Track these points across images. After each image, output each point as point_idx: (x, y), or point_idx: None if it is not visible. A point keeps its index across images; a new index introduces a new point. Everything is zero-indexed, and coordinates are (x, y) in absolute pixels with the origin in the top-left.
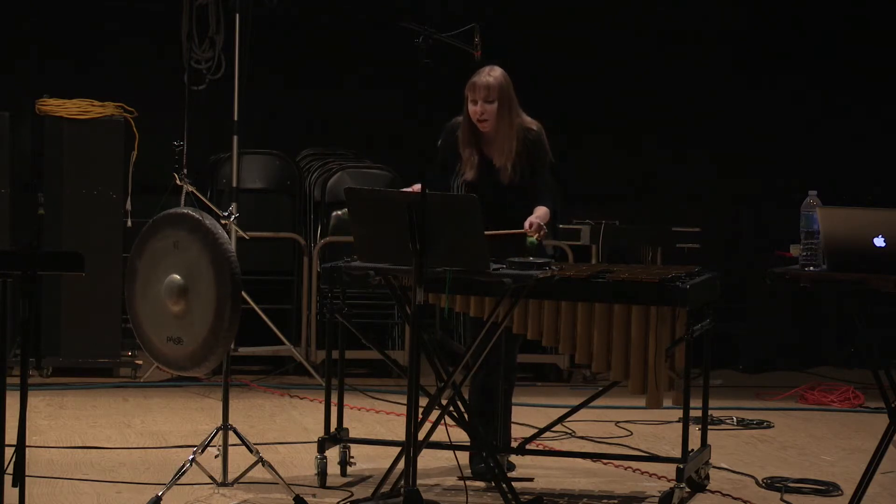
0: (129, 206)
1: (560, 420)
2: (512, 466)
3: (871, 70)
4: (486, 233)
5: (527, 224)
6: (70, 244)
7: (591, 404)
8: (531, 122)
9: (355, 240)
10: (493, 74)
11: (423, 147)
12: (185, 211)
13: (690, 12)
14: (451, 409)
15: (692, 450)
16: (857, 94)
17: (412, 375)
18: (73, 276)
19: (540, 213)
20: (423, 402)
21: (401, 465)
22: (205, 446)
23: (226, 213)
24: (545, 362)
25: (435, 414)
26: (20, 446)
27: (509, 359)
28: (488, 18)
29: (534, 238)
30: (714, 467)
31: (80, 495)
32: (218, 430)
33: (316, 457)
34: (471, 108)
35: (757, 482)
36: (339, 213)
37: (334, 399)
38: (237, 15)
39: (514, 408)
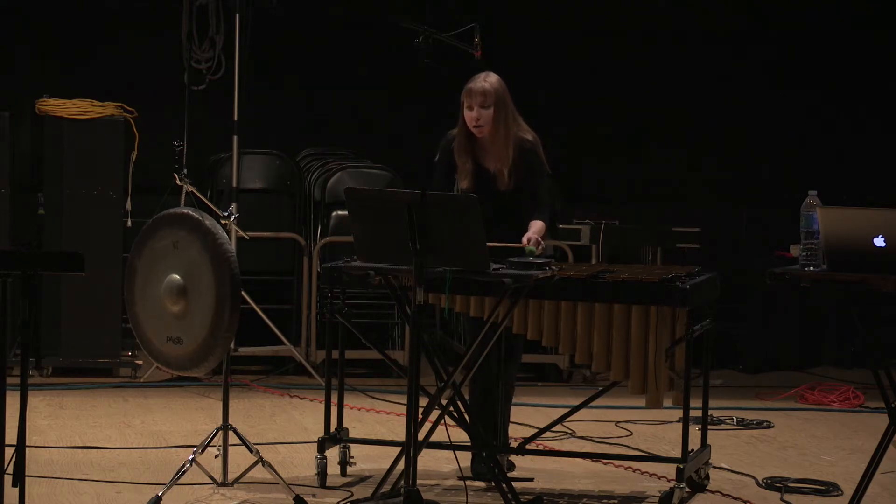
0: (129, 206)
1: (560, 420)
2: (511, 466)
3: (872, 70)
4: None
5: (525, 240)
6: (70, 244)
7: (591, 404)
8: (527, 132)
9: (355, 240)
10: (489, 80)
11: (424, 147)
12: (185, 211)
13: (690, 13)
14: (451, 409)
15: (692, 450)
16: (857, 93)
17: (412, 375)
18: (73, 276)
19: (536, 227)
20: (423, 402)
21: (401, 465)
22: (205, 446)
23: (226, 213)
24: (545, 362)
25: (435, 414)
26: (20, 446)
27: (513, 361)
28: (488, 18)
29: (532, 247)
30: (714, 467)
31: (80, 495)
32: (218, 430)
33: (316, 457)
34: (467, 114)
35: (757, 482)
36: (339, 213)
37: (334, 399)
38: (237, 15)
39: (514, 408)
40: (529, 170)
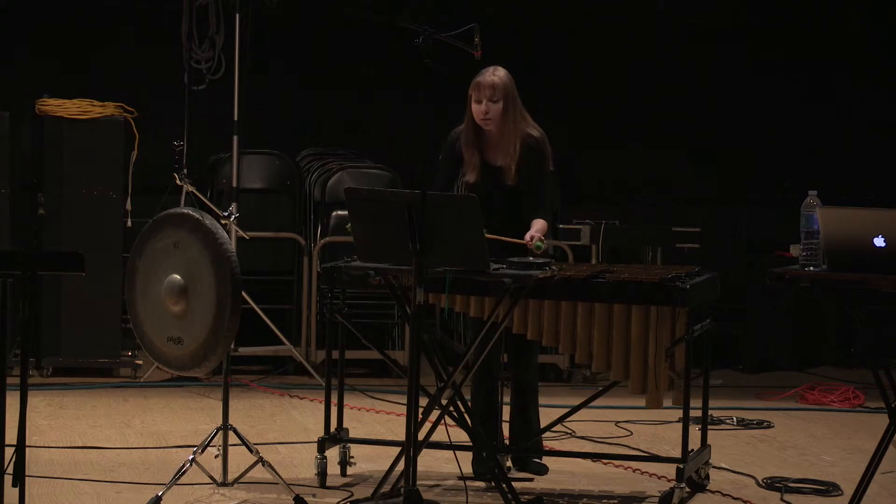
0: (129, 206)
1: (560, 420)
2: (544, 469)
3: (872, 70)
4: (486, 236)
5: (527, 237)
6: (70, 244)
7: (591, 404)
8: (534, 129)
9: (355, 240)
10: (497, 74)
11: (424, 147)
12: (185, 211)
13: (690, 12)
14: (451, 409)
15: (692, 450)
16: (857, 93)
17: (412, 375)
18: (73, 276)
19: (538, 226)
20: (424, 402)
21: (401, 465)
22: (205, 446)
23: (226, 213)
24: (545, 362)
25: (435, 414)
26: (20, 446)
27: (530, 364)
28: (488, 18)
29: (540, 243)
30: (714, 467)
31: (80, 495)
32: (218, 430)
33: (316, 457)
34: (475, 108)
35: (757, 482)
36: (339, 213)
37: (334, 399)
38: (237, 15)
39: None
40: (533, 167)
